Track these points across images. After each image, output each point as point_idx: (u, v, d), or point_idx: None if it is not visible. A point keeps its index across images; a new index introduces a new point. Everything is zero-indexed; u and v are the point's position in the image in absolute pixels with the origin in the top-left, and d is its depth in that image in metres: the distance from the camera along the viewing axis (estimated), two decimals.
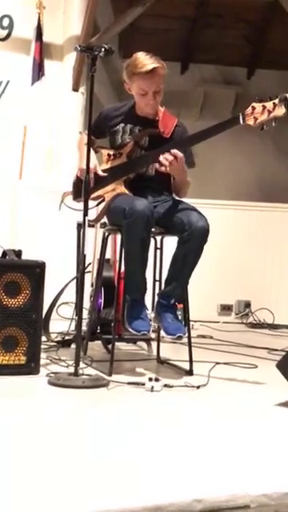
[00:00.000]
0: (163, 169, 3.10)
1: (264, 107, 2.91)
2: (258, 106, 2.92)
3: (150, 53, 3.16)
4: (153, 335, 3.49)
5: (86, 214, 2.85)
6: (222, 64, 8.44)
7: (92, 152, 3.14)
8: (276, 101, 2.89)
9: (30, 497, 1.50)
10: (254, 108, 2.94)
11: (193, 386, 2.85)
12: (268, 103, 2.91)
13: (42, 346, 3.11)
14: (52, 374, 2.85)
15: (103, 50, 2.87)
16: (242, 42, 8.09)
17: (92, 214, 3.16)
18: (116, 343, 3.28)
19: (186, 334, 3.15)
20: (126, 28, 6.58)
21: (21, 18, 6.22)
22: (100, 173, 3.24)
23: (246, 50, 8.28)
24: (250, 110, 2.95)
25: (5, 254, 3.04)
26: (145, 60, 3.11)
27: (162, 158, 3.06)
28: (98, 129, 3.36)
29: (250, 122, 2.95)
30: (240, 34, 7.93)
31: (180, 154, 3.04)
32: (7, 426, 2.13)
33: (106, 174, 3.26)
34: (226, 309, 5.96)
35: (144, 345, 3.96)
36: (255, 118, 2.93)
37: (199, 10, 7.55)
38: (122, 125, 3.33)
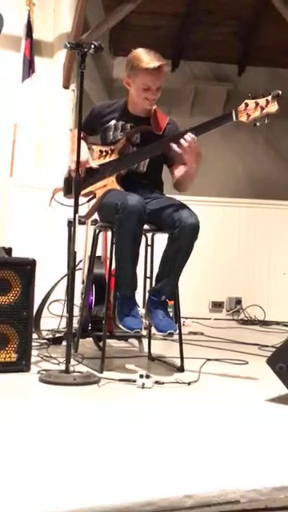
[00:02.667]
0: (178, 150, 3.05)
1: (257, 104, 2.92)
2: (251, 103, 2.94)
3: (149, 49, 3.18)
4: (144, 332, 3.49)
5: (76, 212, 2.86)
6: (212, 61, 8.43)
7: (84, 146, 3.14)
8: (269, 97, 2.91)
9: (21, 493, 1.51)
10: (246, 105, 2.95)
11: (184, 383, 2.85)
12: (261, 100, 2.92)
13: (33, 344, 3.11)
14: (43, 372, 2.85)
15: (93, 46, 2.87)
16: (232, 39, 8.08)
17: (83, 211, 3.16)
18: (107, 340, 3.27)
19: (177, 331, 3.16)
20: (117, 25, 6.57)
21: (11, 15, 6.18)
22: (93, 165, 3.25)
23: (236, 47, 8.27)
24: (243, 106, 2.96)
25: None
26: (150, 56, 3.14)
27: (181, 140, 3.03)
28: (89, 126, 3.37)
29: (243, 118, 2.96)
30: (231, 30, 7.92)
31: (195, 139, 3.03)
32: None
33: (98, 167, 3.26)
34: (217, 305, 5.96)
35: (135, 342, 3.96)
36: (248, 115, 2.94)
37: (190, 7, 7.53)
38: (114, 122, 3.33)
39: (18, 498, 1.48)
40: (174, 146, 3.05)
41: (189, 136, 3.03)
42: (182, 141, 3.02)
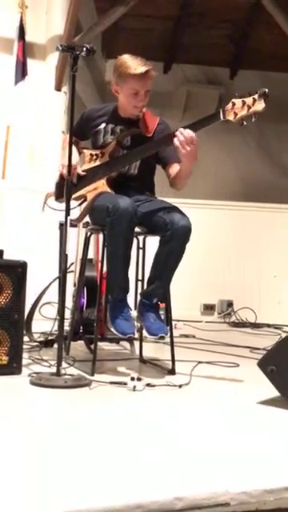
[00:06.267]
0: (177, 144, 2.99)
1: (244, 102, 2.93)
2: (238, 102, 2.95)
3: (135, 55, 3.20)
4: (135, 335, 3.50)
5: (68, 214, 2.86)
6: (204, 64, 8.44)
7: (74, 151, 3.15)
8: (256, 96, 2.92)
9: (12, 496, 1.50)
10: (234, 104, 2.96)
11: (175, 385, 2.86)
12: (248, 98, 2.93)
13: (25, 346, 3.11)
14: (34, 374, 2.85)
15: (85, 49, 2.88)
16: (224, 43, 8.09)
17: (74, 214, 3.16)
18: (99, 343, 3.28)
19: (169, 334, 3.16)
20: (109, 28, 6.57)
21: (3, 17, 6.19)
22: (80, 172, 3.25)
23: (228, 51, 8.29)
24: (230, 105, 2.97)
25: None
26: (136, 62, 3.15)
27: (178, 132, 2.99)
28: (80, 130, 3.37)
29: (230, 117, 2.97)
30: (223, 34, 7.93)
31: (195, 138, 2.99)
32: None
33: (85, 173, 3.27)
34: (208, 308, 5.98)
35: (127, 344, 3.97)
36: (235, 114, 2.95)
37: (182, 10, 7.54)
38: (103, 125, 3.34)
39: (7, 500, 1.48)
40: (175, 141, 3.02)
41: (186, 131, 3.01)
42: (179, 134, 3.01)
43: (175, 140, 3.01)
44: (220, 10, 7.37)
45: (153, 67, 3.19)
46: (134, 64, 3.15)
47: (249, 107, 2.92)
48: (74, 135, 3.21)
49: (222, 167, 8.32)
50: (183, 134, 2.99)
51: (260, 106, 2.90)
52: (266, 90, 2.88)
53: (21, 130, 5.98)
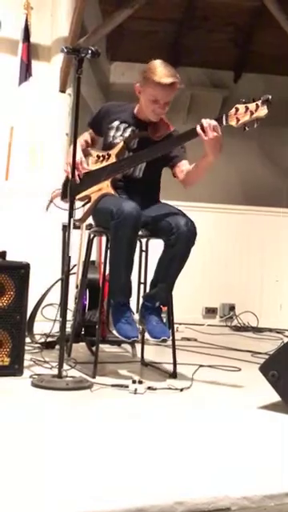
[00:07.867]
0: (204, 137, 3.00)
1: (247, 108, 2.94)
2: (241, 107, 2.96)
3: (166, 62, 3.18)
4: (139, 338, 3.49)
5: (71, 216, 2.86)
6: (208, 67, 8.45)
7: (79, 151, 3.16)
8: (259, 102, 2.92)
9: (9, 497, 1.50)
10: (237, 109, 2.97)
11: (176, 389, 2.85)
12: (251, 104, 2.94)
13: (26, 348, 3.11)
14: (35, 376, 2.85)
15: (90, 51, 2.88)
16: (228, 46, 8.10)
17: (78, 216, 3.17)
18: (100, 345, 3.27)
19: (171, 337, 3.16)
20: (114, 30, 6.58)
21: (8, 18, 6.20)
22: (85, 166, 3.26)
23: (232, 54, 8.30)
24: (233, 111, 2.98)
25: None
26: (165, 70, 3.13)
27: (203, 120, 3.01)
28: (97, 125, 3.42)
29: (233, 122, 2.98)
30: (227, 37, 7.94)
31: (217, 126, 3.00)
32: None
33: (88, 170, 3.28)
34: (210, 312, 5.97)
35: (128, 347, 3.96)
36: (237, 119, 2.96)
37: (186, 13, 7.55)
38: (117, 122, 3.33)
39: (7, 501, 1.48)
40: (201, 134, 3.01)
41: (209, 120, 3.01)
42: (203, 122, 3.01)
43: (198, 128, 3.01)
44: (224, 13, 7.39)
45: (179, 80, 3.15)
46: (161, 72, 3.11)
47: (251, 113, 2.93)
48: (92, 128, 3.33)
49: (223, 170, 8.30)
50: (207, 121, 3.00)
51: (262, 112, 2.91)
52: (270, 97, 2.90)
53: (24, 131, 5.98)
